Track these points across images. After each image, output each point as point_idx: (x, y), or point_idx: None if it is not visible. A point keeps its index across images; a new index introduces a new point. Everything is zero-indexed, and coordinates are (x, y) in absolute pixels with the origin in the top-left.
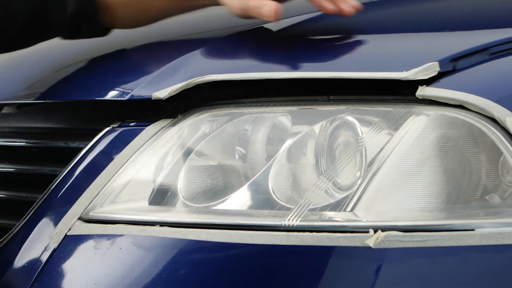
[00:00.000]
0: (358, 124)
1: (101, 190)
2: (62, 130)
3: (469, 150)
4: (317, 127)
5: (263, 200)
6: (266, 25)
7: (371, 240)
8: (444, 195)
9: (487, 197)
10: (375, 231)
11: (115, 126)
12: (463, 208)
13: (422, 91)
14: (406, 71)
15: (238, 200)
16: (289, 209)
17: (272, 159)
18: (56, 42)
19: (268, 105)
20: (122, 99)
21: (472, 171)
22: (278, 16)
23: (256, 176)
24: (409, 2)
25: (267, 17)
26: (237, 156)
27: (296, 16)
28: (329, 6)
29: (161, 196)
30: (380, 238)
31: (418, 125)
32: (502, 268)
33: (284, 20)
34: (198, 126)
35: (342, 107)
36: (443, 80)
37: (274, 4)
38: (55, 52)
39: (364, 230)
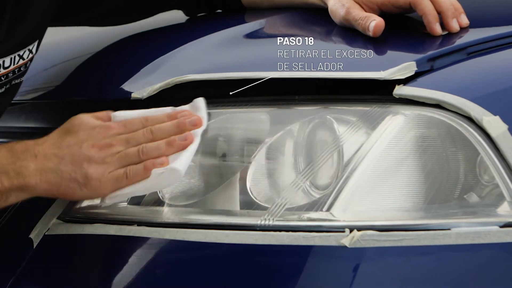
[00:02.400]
0: (335, 123)
1: None
2: (44, 130)
3: (447, 150)
4: (295, 127)
5: (240, 199)
6: (244, 26)
7: (347, 240)
8: (422, 195)
9: (465, 196)
10: (351, 231)
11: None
12: (440, 207)
13: (399, 91)
14: (383, 70)
15: (216, 200)
16: (266, 208)
17: (250, 159)
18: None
19: (247, 105)
20: (102, 99)
21: (450, 170)
22: (380, 32)
23: (234, 176)
24: None
25: (371, 31)
26: (216, 156)
27: (274, 15)
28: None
29: (141, 196)
30: (356, 237)
31: (395, 125)
32: (478, 267)
33: (262, 20)
34: None
35: (320, 107)
36: (420, 80)
37: (379, 19)
38: (40, 53)
39: (340, 229)
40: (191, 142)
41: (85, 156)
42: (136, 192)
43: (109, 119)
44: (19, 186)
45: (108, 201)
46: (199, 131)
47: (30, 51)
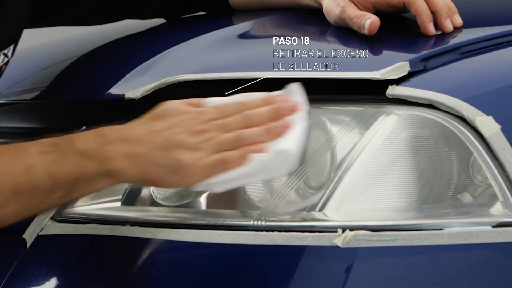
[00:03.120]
0: (329, 123)
1: None
2: (39, 130)
3: (440, 150)
4: None
5: (234, 199)
6: (238, 26)
7: (339, 240)
8: (415, 195)
9: (458, 196)
10: (343, 231)
11: (88, 126)
12: (433, 207)
13: (392, 91)
14: (377, 70)
15: (210, 200)
16: (259, 208)
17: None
18: (31, 44)
19: None
20: (96, 99)
21: (444, 170)
22: (375, 30)
23: None
24: None
25: (366, 29)
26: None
27: (268, 15)
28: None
29: (134, 196)
30: (348, 237)
31: (388, 125)
32: (471, 267)
33: (256, 20)
34: None
35: (314, 107)
36: (413, 80)
37: (374, 17)
38: (31, 54)
39: (333, 229)
40: (289, 129)
41: (177, 141)
42: (233, 181)
43: (200, 106)
44: (106, 171)
45: (201, 188)
46: (301, 115)
47: (6, 55)
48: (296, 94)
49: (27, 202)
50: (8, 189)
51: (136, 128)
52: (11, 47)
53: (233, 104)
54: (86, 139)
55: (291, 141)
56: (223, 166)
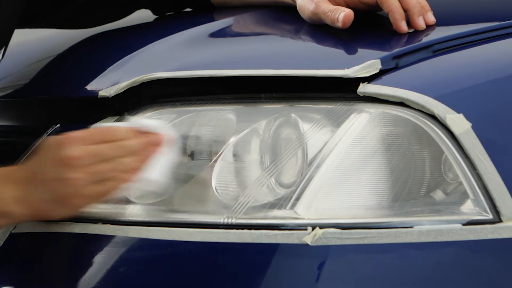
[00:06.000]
0: (300, 121)
1: None
2: (12, 128)
3: (412, 148)
4: (261, 125)
5: (206, 197)
6: (212, 24)
7: (309, 238)
8: (386, 193)
9: (431, 194)
10: (313, 229)
11: (62, 123)
12: (404, 205)
13: (364, 89)
14: (348, 68)
15: (182, 198)
16: (230, 206)
17: (216, 156)
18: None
19: (213, 103)
20: (70, 97)
21: (416, 168)
22: (349, 23)
23: (200, 174)
24: None
25: (340, 22)
26: (182, 154)
27: (243, 13)
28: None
29: None
30: (318, 235)
31: (359, 123)
32: (441, 264)
33: (231, 18)
34: None
35: (285, 105)
36: (385, 78)
37: (348, 10)
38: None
39: (303, 227)
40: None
41: (59, 176)
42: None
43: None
44: None
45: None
46: (167, 149)
47: None
48: (162, 129)
49: None
50: None
51: (23, 170)
52: (2, 50)
53: (103, 132)
54: None
55: (158, 171)
56: (104, 196)
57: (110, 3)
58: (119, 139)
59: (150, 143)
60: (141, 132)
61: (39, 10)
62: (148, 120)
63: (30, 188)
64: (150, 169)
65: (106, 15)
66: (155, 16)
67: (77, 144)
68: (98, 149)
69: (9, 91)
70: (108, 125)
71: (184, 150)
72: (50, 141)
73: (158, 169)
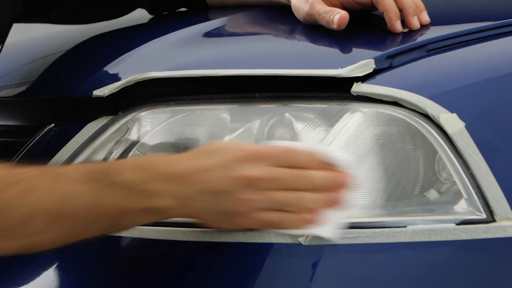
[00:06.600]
0: (294, 121)
1: None
2: (6, 127)
3: (406, 147)
4: (255, 124)
5: None
6: (207, 23)
7: (302, 237)
8: (380, 192)
9: (425, 193)
10: None
11: (56, 123)
12: (397, 205)
13: (357, 88)
14: (342, 68)
15: None
16: None
17: None
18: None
19: (207, 103)
20: (64, 96)
21: (410, 168)
22: (344, 25)
23: None
24: None
25: (335, 24)
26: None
27: (238, 13)
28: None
29: None
30: (311, 235)
31: (353, 122)
32: (434, 264)
33: (225, 17)
34: (139, 123)
35: (279, 104)
36: (378, 77)
37: (343, 12)
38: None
39: None
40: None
41: (230, 186)
42: None
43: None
44: (151, 208)
45: None
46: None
47: None
48: (349, 167)
49: (67, 230)
50: (48, 215)
51: (185, 163)
52: (0, 47)
53: (287, 153)
54: (132, 172)
55: (333, 226)
56: (275, 227)
57: (110, 2)
58: (304, 167)
59: (339, 182)
60: (329, 165)
61: (39, 6)
62: (336, 152)
63: (192, 189)
64: (325, 220)
65: (106, 12)
66: (149, 16)
67: (260, 161)
68: (281, 174)
69: (2, 91)
70: (292, 145)
71: (178, 150)
72: (228, 147)
73: (333, 223)
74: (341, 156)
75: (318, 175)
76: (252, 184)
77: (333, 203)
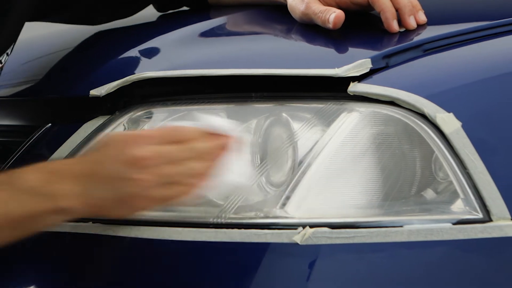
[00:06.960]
0: (290, 120)
1: None
2: (4, 127)
3: (402, 147)
4: (252, 124)
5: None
6: (204, 23)
7: (298, 237)
8: (377, 192)
9: (422, 193)
10: (303, 228)
11: (54, 123)
12: (394, 204)
13: (354, 88)
14: (338, 67)
15: None
16: (220, 205)
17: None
18: None
19: (204, 102)
20: (61, 96)
21: (407, 167)
22: (340, 24)
23: None
24: None
25: (331, 23)
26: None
27: (235, 13)
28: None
29: None
30: (307, 234)
31: (350, 122)
32: (431, 264)
33: (223, 17)
34: (136, 122)
35: (276, 104)
36: (375, 77)
37: (339, 11)
38: None
39: (293, 226)
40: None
41: (123, 173)
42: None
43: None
44: (56, 209)
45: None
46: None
47: (7, 54)
48: (234, 130)
49: None
50: None
51: (83, 161)
52: (12, 46)
53: (171, 132)
54: (35, 175)
55: (236, 173)
56: (169, 200)
57: (121, 1)
58: (188, 140)
59: (221, 147)
60: (211, 134)
61: (52, 6)
62: (219, 120)
63: (90, 184)
64: (226, 172)
65: (117, 11)
66: (148, 16)
67: (145, 143)
68: (166, 150)
69: (4, 90)
70: (176, 124)
71: None
72: (114, 138)
73: (236, 172)
74: (223, 122)
75: (201, 145)
76: (140, 164)
77: (219, 166)
